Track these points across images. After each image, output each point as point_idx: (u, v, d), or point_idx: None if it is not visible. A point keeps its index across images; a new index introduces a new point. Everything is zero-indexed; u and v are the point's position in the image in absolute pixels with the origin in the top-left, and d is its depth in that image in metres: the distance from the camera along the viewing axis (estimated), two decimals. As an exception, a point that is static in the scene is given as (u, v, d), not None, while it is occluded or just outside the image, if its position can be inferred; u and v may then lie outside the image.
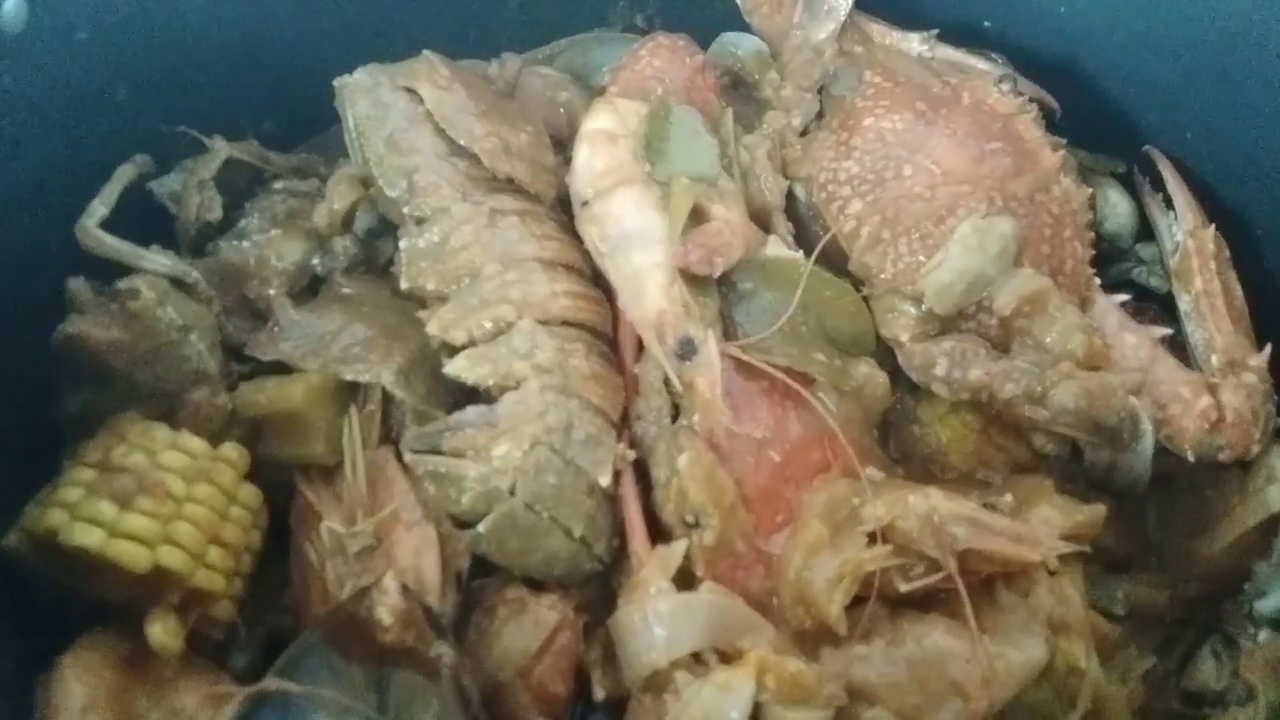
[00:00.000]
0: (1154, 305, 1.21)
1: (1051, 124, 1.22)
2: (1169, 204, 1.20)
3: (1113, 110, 1.25)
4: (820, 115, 1.24)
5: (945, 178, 1.09)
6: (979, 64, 1.25)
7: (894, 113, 1.15)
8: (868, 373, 1.06)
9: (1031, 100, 1.21)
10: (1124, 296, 1.14)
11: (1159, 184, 1.21)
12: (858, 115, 1.16)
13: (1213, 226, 1.16)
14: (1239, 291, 1.14)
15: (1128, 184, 1.25)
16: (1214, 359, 1.10)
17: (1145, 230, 1.24)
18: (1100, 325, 1.09)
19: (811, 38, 1.26)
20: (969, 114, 1.15)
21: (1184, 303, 1.14)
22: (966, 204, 1.08)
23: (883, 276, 1.09)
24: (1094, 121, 1.25)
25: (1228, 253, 1.16)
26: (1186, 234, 1.16)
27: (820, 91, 1.25)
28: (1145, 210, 1.22)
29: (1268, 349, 1.10)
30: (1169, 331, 1.12)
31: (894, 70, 1.22)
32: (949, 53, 1.26)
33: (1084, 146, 1.24)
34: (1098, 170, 1.26)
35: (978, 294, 1.06)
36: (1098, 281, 1.13)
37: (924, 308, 1.07)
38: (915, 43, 1.26)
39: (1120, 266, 1.25)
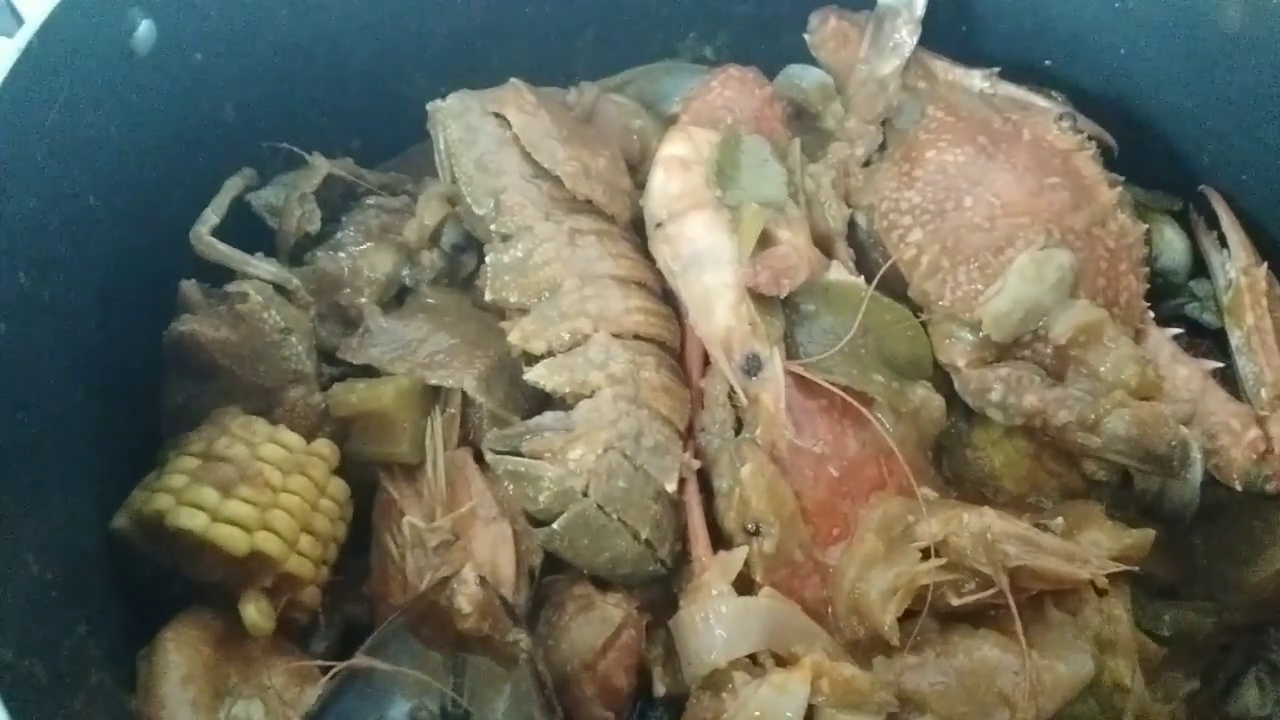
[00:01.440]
0: (1206, 340, 1.23)
1: (1109, 162, 1.25)
2: (1223, 242, 1.23)
3: (1169, 150, 1.28)
4: (883, 147, 1.28)
5: (1005, 210, 1.13)
6: (1039, 101, 1.29)
7: (956, 146, 1.19)
8: (924, 395, 1.09)
9: (1090, 138, 1.23)
10: (1177, 330, 1.17)
11: (1214, 222, 1.24)
12: (920, 147, 1.20)
13: (1265, 265, 1.18)
14: None
15: (1183, 223, 1.28)
16: (1264, 393, 1.12)
17: (1198, 267, 1.26)
18: (1154, 357, 1.12)
19: (876, 72, 1.31)
20: (1029, 149, 1.18)
21: (1235, 338, 1.17)
22: (1025, 235, 1.11)
23: (941, 303, 1.12)
24: (1151, 160, 1.28)
25: (1277, 288, 1.18)
26: (1239, 271, 1.18)
27: (884, 124, 1.30)
28: (1200, 247, 1.25)
29: None
30: (1220, 365, 1.14)
31: (956, 105, 1.26)
32: (1010, 90, 1.29)
33: (1141, 184, 1.27)
34: (1153, 207, 1.28)
35: (1034, 323, 1.09)
36: (1151, 315, 1.16)
37: (981, 335, 1.10)
38: (977, 79, 1.30)
39: (1174, 302, 1.27)
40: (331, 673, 0.90)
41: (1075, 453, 1.09)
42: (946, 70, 1.33)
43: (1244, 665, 1.14)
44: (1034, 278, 1.08)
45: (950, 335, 1.12)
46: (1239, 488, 1.08)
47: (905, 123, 1.27)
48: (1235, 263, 1.19)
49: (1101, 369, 1.07)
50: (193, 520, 0.97)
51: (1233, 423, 1.09)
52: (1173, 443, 1.05)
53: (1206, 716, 1.11)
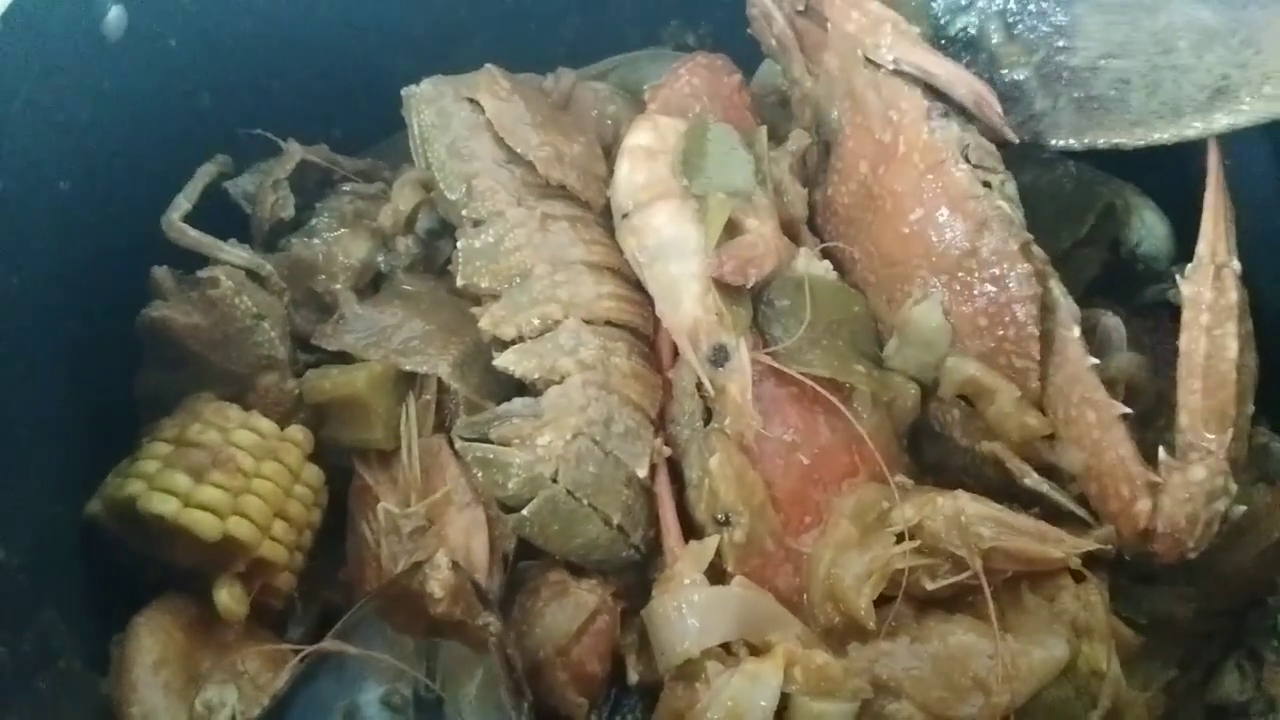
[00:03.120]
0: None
1: (1111, 165, 1.19)
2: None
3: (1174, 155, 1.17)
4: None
5: (883, 260, 1.09)
6: (907, 87, 1.10)
7: (845, 183, 1.13)
8: (901, 383, 1.09)
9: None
10: (1094, 360, 1.02)
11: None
12: (826, 182, 1.16)
13: (1217, 267, 1.00)
14: (1231, 350, 0.98)
15: (1163, 203, 1.25)
16: (1179, 440, 0.98)
17: (1183, 251, 1.22)
18: (1066, 392, 1.02)
19: (790, 72, 1.22)
20: (898, 175, 1.07)
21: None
22: (903, 288, 1.07)
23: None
24: (1153, 168, 1.19)
25: (1232, 298, 0.99)
26: (1189, 272, 1.00)
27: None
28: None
29: (1230, 431, 0.97)
30: (1128, 411, 1.00)
31: (857, 104, 1.13)
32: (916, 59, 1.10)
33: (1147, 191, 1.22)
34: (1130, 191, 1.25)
35: (929, 377, 1.08)
36: (1076, 335, 1.02)
37: None
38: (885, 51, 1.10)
39: (1156, 288, 1.24)
40: (300, 656, 0.90)
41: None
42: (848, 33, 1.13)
43: (1224, 652, 1.13)
44: (909, 340, 1.07)
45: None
46: (1127, 557, 1.02)
47: (828, 133, 1.19)
48: (1197, 256, 1.01)
49: (989, 420, 1.05)
50: (164, 505, 0.97)
51: (1122, 489, 0.99)
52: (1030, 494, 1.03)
53: (1186, 704, 1.11)
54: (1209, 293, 1.00)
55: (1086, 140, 1.09)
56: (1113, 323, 1.12)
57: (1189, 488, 0.98)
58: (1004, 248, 1.03)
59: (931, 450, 1.13)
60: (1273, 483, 1.11)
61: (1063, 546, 0.99)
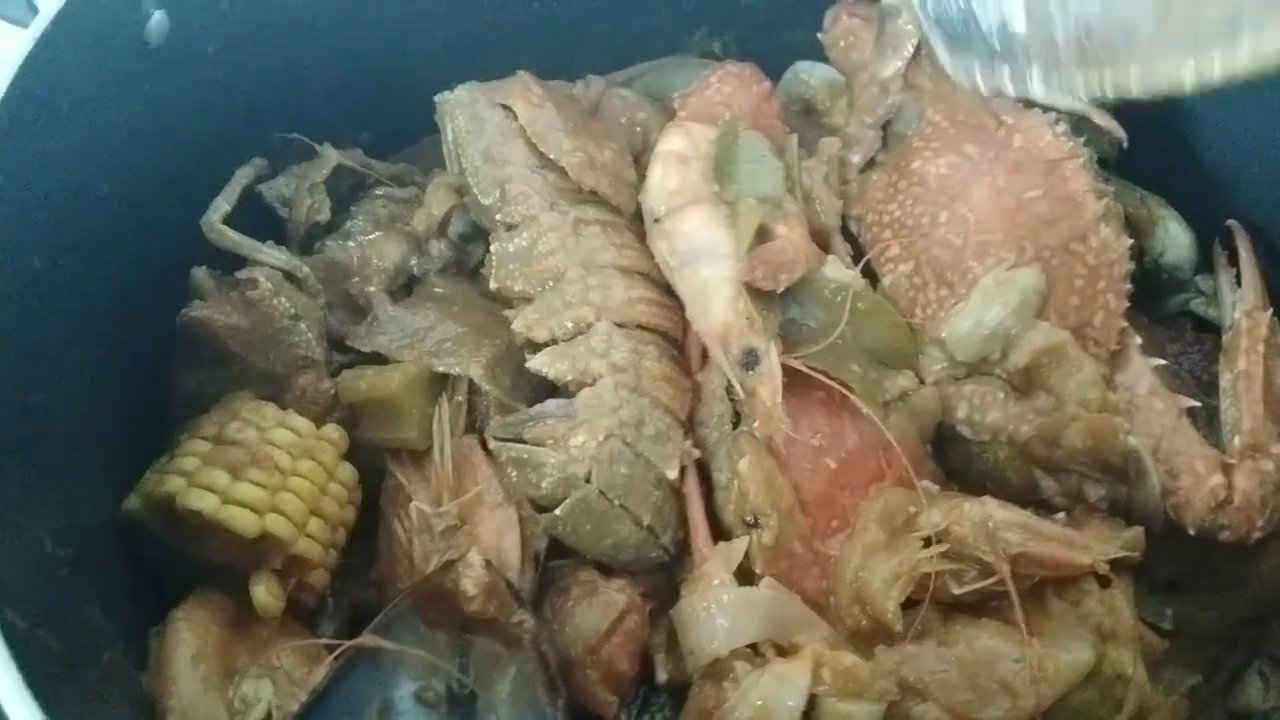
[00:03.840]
0: (1210, 337, 1.22)
1: (1137, 177, 1.22)
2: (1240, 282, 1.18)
3: (1205, 175, 1.25)
4: (887, 150, 1.27)
5: (978, 226, 1.11)
6: (1041, 99, 1.25)
7: (941, 156, 1.17)
8: (906, 386, 1.10)
9: (1101, 136, 1.19)
10: (1161, 360, 1.14)
11: (1236, 259, 1.19)
12: (909, 156, 1.19)
13: (1270, 310, 1.15)
14: None
15: (1189, 218, 1.26)
16: (1238, 440, 1.09)
17: (1206, 262, 1.25)
18: (1132, 385, 1.11)
19: (879, 74, 1.28)
20: (1014, 159, 1.14)
21: (1225, 380, 1.13)
22: (996, 253, 1.10)
23: (913, 322, 1.13)
24: (1183, 180, 1.25)
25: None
26: (1244, 313, 1.15)
27: (886, 127, 1.28)
28: (1216, 286, 1.22)
29: None
30: (1197, 404, 1.11)
31: (955, 109, 1.22)
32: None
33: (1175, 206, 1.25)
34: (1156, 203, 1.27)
35: (998, 344, 1.09)
36: (1138, 341, 1.13)
37: (948, 353, 1.11)
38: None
39: (1179, 297, 1.27)
40: (336, 652, 0.91)
41: (1043, 467, 1.09)
42: None
43: (1246, 659, 1.14)
44: (996, 299, 1.09)
45: (922, 351, 1.13)
46: (1192, 532, 1.06)
47: (904, 127, 1.25)
48: (1242, 303, 1.16)
49: (1063, 392, 1.07)
50: (203, 502, 0.98)
51: (1198, 465, 1.06)
52: (1124, 454, 1.06)
53: (1209, 710, 1.12)
54: (1264, 329, 1.14)
55: (1089, 85, 1.03)
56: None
57: (1259, 473, 1.06)
58: (1116, 241, 1.12)
59: (954, 456, 1.15)
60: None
61: (1090, 553, 1.00)
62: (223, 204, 1.14)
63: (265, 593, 0.99)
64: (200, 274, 1.11)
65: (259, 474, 1.01)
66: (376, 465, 1.12)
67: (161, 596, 1.03)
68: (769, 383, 1.04)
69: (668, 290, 1.15)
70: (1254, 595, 1.12)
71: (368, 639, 0.91)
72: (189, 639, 0.96)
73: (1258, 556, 1.10)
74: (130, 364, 1.08)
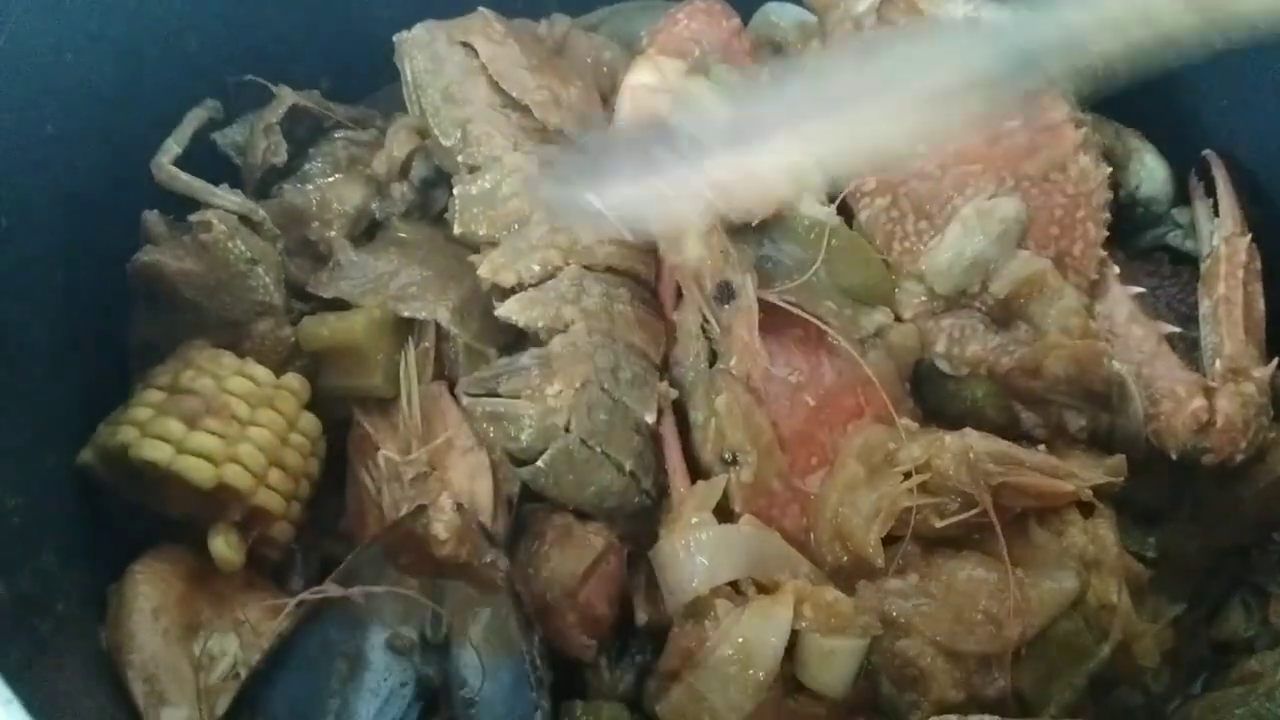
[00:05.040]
0: (1187, 268, 1.21)
1: (1112, 110, 1.21)
2: (1217, 212, 1.18)
3: (1180, 108, 1.24)
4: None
5: (957, 157, 1.10)
6: None
7: None
8: (881, 323, 1.08)
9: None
10: (1138, 289, 1.14)
11: (1212, 190, 1.20)
12: None
13: (1249, 236, 1.15)
14: (1261, 305, 1.13)
15: (1164, 151, 1.25)
16: (1219, 364, 1.09)
17: (1182, 195, 1.25)
18: (1110, 313, 1.11)
19: (852, 10, 1.25)
20: None
21: (1204, 306, 1.14)
22: (975, 184, 1.09)
23: (891, 256, 1.11)
24: (1157, 113, 1.24)
25: (1259, 266, 1.15)
26: (1222, 240, 1.15)
27: None
28: (1193, 216, 1.22)
29: (1275, 362, 1.10)
30: (1176, 330, 1.12)
31: None
32: (994, 16, 1.23)
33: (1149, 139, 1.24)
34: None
35: (978, 275, 1.08)
36: (1116, 270, 1.13)
37: (925, 287, 1.09)
38: (960, 6, 1.24)
39: (1155, 231, 1.26)
40: (294, 601, 0.88)
41: (1023, 399, 1.08)
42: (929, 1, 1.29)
43: (1229, 588, 1.13)
44: (976, 230, 1.07)
45: (899, 286, 1.12)
46: (1174, 456, 1.06)
47: None
48: (1220, 230, 1.16)
49: (1044, 321, 1.06)
50: (157, 452, 0.95)
51: (1179, 389, 1.06)
52: (1107, 380, 1.05)
53: (1192, 640, 1.11)
54: (1243, 255, 1.13)
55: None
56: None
57: (1240, 396, 1.06)
58: (1095, 170, 1.12)
59: (930, 397, 1.13)
60: (1278, 420, 1.11)
61: (1074, 480, 0.99)
62: (173, 145, 1.10)
63: (224, 545, 0.96)
64: (151, 217, 1.08)
65: (215, 423, 0.98)
66: (342, 415, 1.09)
67: (122, 551, 1.00)
68: (746, 316, 1.02)
69: (637, 231, 1.13)
70: (1236, 523, 1.12)
71: (331, 588, 0.88)
72: (148, 592, 0.94)
73: (1239, 483, 1.10)
74: (82, 312, 1.05)
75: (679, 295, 1.10)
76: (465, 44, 1.15)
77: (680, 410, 1.07)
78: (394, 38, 1.18)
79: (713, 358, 1.06)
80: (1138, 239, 1.26)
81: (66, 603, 0.89)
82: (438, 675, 0.92)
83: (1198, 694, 1.08)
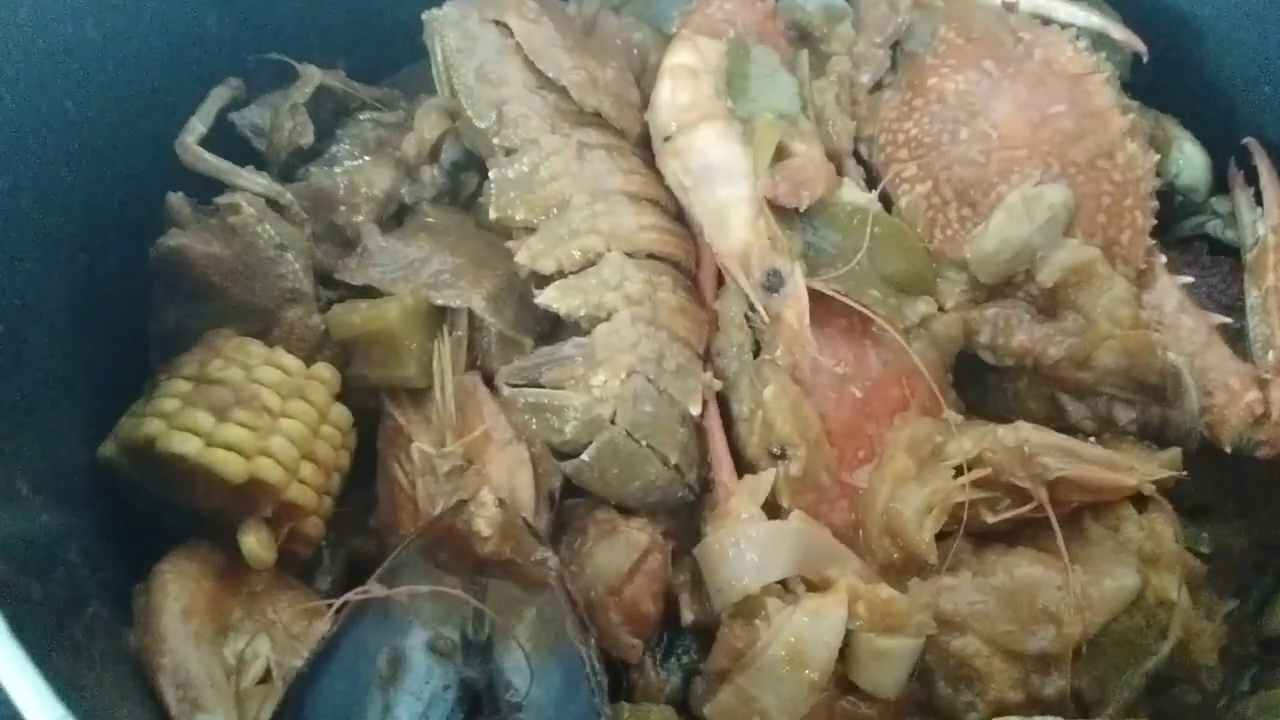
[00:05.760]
0: (1228, 259, 1.19)
1: (1150, 97, 1.20)
2: (1259, 201, 1.17)
3: (1219, 94, 1.22)
4: (896, 71, 1.22)
5: (1002, 142, 1.08)
6: (1060, 16, 1.22)
7: (959, 72, 1.13)
8: (926, 312, 1.06)
9: (1117, 54, 1.17)
10: (1187, 279, 1.12)
11: (1253, 177, 1.18)
12: (924, 74, 1.15)
13: None
14: None
15: (1203, 140, 1.22)
16: (1271, 356, 1.07)
17: (1220, 184, 1.23)
18: (1159, 304, 1.08)
19: None
20: (1036, 74, 1.12)
21: (1252, 296, 1.11)
22: (1021, 170, 1.07)
23: (933, 244, 1.08)
24: (1195, 101, 1.22)
25: None
26: (1270, 229, 1.12)
27: (895, 47, 1.23)
28: (1234, 205, 1.19)
29: None
30: (1227, 320, 1.10)
31: (969, 25, 1.20)
32: (1034, 2, 1.21)
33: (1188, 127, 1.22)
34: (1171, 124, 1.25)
35: (1023, 263, 1.06)
36: (1163, 259, 1.10)
37: (969, 275, 1.07)
38: None
39: (1195, 220, 1.24)
40: (338, 602, 0.84)
41: (1070, 391, 1.06)
42: None
43: (1276, 583, 1.11)
44: (1023, 216, 1.05)
45: (941, 275, 1.09)
46: (1228, 449, 1.04)
47: (915, 45, 1.21)
48: (1267, 219, 1.13)
49: (1094, 311, 1.04)
50: (185, 445, 0.91)
51: (1232, 381, 1.04)
52: (1163, 371, 1.03)
53: (1239, 636, 1.09)
54: None
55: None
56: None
57: None
58: (1143, 158, 1.10)
59: (970, 391, 1.10)
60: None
61: (1134, 474, 0.96)
62: (198, 124, 1.06)
63: (255, 542, 0.92)
64: (176, 199, 1.04)
65: (245, 415, 0.94)
66: (371, 407, 1.06)
67: (149, 548, 0.96)
68: (795, 304, 1.00)
69: (678, 217, 1.10)
70: (1282, 519, 1.10)
71: (375, 587, 0.84)
72: (177, 592, 0.90)
73: None
74: (104, 297, 1.01)
75: (720, 283, 1.08)
76: (498, 22, 1.11)
77: (722, 402, 1.04)
78: (423, 15, 1.14)
79: (755, 348, 1.04)
80: (1176, 228, 1.24)
81: (96, 603, 0.85)
82: (482, 677, 0.88)
83: (1246, 691, 1.06)
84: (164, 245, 1.01)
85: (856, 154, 1.17)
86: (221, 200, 1.03)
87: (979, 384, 1.11)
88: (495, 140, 1.07)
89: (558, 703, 0.86)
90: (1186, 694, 1.01)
